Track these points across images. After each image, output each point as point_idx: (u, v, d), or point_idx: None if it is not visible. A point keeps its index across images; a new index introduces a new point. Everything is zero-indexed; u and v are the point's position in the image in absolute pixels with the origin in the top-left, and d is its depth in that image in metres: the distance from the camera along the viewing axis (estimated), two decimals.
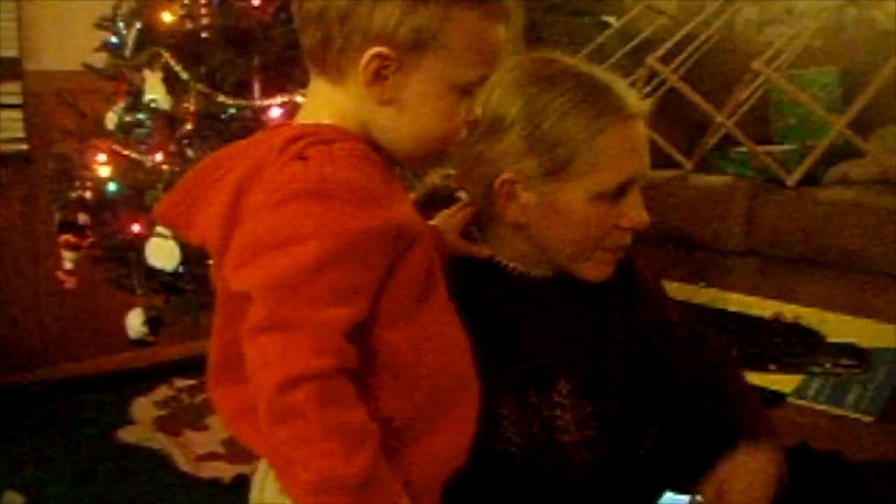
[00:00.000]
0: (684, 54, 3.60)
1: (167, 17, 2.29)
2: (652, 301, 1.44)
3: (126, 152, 2.30)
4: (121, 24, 2.44)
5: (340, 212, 0.93)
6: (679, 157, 3.48)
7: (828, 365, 2.84)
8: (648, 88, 3.53)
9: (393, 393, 1.00)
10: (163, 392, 2.91)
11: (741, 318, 3.11)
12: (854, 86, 3.37)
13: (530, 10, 3.95)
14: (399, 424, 1.00)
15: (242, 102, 2.18)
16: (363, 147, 1.00)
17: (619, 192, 1.26)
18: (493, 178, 1.25)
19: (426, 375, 1.01)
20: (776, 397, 2.75)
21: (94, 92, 2.55)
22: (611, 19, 3.96)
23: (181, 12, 2.29)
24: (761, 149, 3.33)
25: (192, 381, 2.92)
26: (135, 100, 2.36)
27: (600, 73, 1.30)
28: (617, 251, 1.31)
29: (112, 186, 2.33)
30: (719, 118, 3.32)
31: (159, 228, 2.18)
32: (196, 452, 2.53)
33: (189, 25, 2.27)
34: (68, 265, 2.42)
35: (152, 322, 2.34)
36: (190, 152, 2.18)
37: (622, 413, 1.36)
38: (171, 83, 2.25)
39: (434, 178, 1.41)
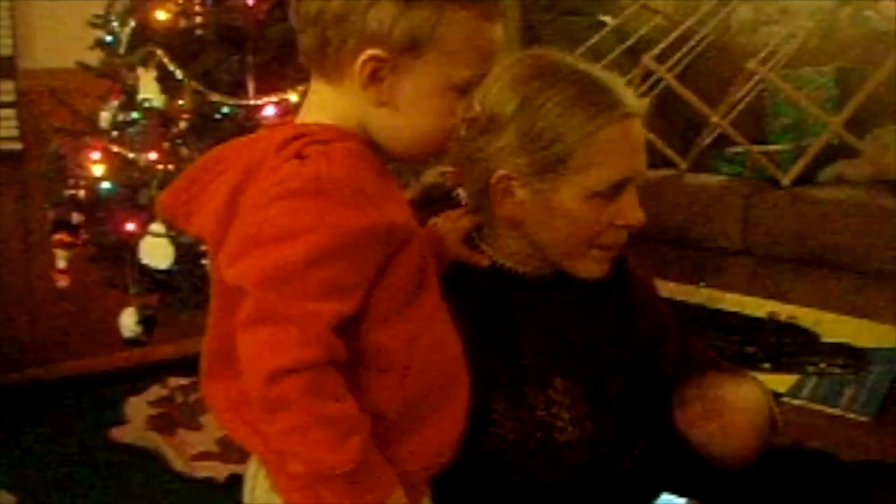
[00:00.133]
0: (679, 54, 3.60)
1: (161, 15, 2.29)
2: (646, 299, 1.44)
3: (120, 151, 2.29)
4: (115, 23, 2.44)
5: (334, 210, 0.94)
6: (674, 157, 3.48)
7: (822, 364, 2.84)
8: (644, 88, 3.53)
9: (384, 388, 1.01)
10: (156, 391, 2.91)
11: (736, 318, 3.11)
12: (849, 85, 3.37)
13: (526, 9, 3.95)
14: (390, 418, 1.02)
15: (237, 101, 2.18)
16: (360, 147, 1.01)
17: (615, 191, 1.26)
18: (490, 174, 1.26)
19: (417, 372, 1.03)
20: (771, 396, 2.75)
21: (89, 90, 2.54)
22: (606, 19, 3.95)
23: (175, 10, 2.28)
24: (756, 148, 3.33)
25: (185, 381, 2.92)
26: (129, 98, 2.35)
27: (598, 71, 1.30)
28: (612, 250, 1.31)
29: (106, 185, 2.32)
30: (714, 118, 3.32)
31: (153, 227, 2.17)
32: (190, 452, 2.53)
33: (183, 24, 2.27)
34: (62, 264, 2.41)
35: (146, 321, 2.33)
36: (184, 151, 2.18)
37: (619, 412, 1.36)
38: (166, 82, 2.25)
39: (431, 175, 1.41)
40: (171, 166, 2.17)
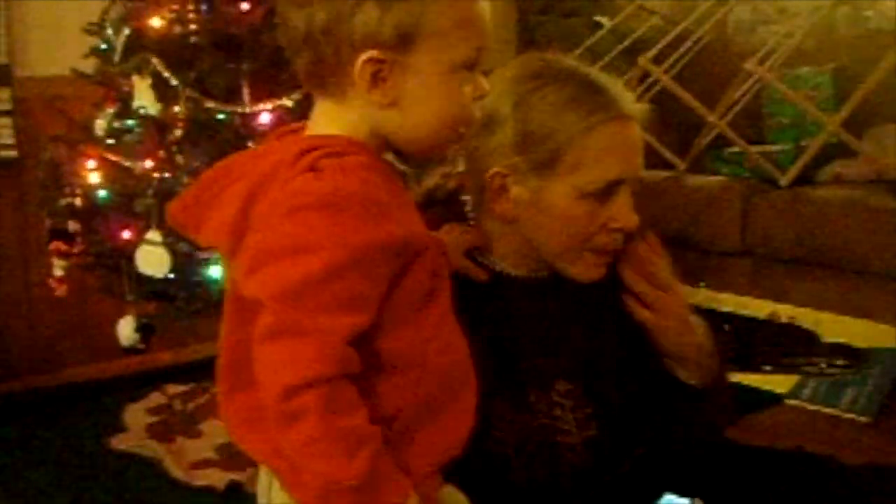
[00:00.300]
0: (677, 54, 3.60)
1: (156, 22, 2.28)
2: None
3: (115, 159, 2.28)
4: (109, 30, 2.43)
5: (349, 224, 0.95)
6: (672, 158, 3.48)
7: (823, 365, 2.84)
8: (641, 89, 3.53)
9: (399, 390, 1.02)
10: (155, 399, 2.90)
11: (736, 319, 3.11)
12: (847, 85, 3.37)
13: (523, 10, 3.95)
14: (404, 418, 1.03)
15: (232, 108, 2.17)
16: (373, 159, 1.02)
17: (607, 193, 1.26)
18: (486, 172, 1.27)
19: (430, 374, 1.04)
20: (772, 398, 2.75)
21: (84, 98, 2.54)
22: (603, 20, 3.95)
23: (170, 17, 2.27)
24: (755, 149, 3.33)
25: (184, 388, 2.91)
26: (124, 106, 2.34)
27: (596, 73, 1.31)
28: (607, 253, 1.31)
29: (102, 193, 2.31)
30: (712, 118, 3.31)
31: (149, 236, 2.17)
32: (189, 460, 2.52)
33: (178, 31, 2.26)
34: (59, 272, 2.40)
35: (143, 329, 2.32)
36: (179, 159, 2.17)
37: (622, 413, 1.36)
38: (161, 89, 2.24)
39: (433, 177, 1.41)
40: (166, 174, 2.16)
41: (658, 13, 3.98)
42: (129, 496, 2.44)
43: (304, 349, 0.93)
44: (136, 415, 2.81)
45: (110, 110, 2.39)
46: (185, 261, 2.17)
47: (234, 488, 2.39)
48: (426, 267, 1.03)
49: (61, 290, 2.46)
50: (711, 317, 3.11)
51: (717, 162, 3.48)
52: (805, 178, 3.20)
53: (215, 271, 2.15)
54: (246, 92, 2.18)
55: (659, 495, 1.46)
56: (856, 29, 3.62)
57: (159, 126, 2.22)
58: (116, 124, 2.36)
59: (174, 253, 2.16)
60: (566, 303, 1.35)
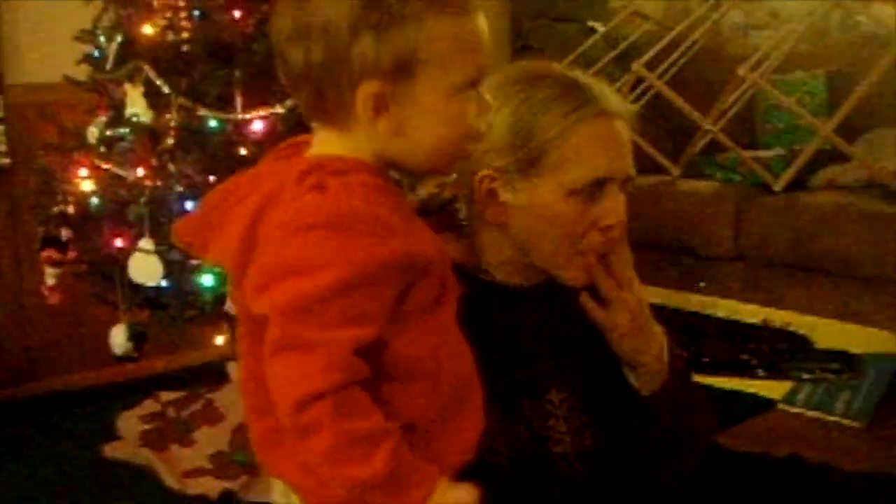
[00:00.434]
0: (670, 59, 3.60)
1: (148, 29, 2.27)
2: None
3: (108, 167, 2.27)
4: (101, 37, 2.42)
5: (356, 243, 0.97)
6: (666, 163, 3.48)
7: (817, 370, 2.85)
8: (634, 94, 3.53)
9: (416, 399, 1.04)
10: (149, 406, 2.89)
11: (730, 324, 3.11)
12: (840, 89, 3.38)
13: (517, 16, 3.95)
14: (422, 426, 1.05)
15: (224, 116, 2.16)
16: (378, 179, 1.03)
17: (594, 191, 1.26)
18: (474, 176, 1.28)
19: (445, 379, 1.05)
20: (766, 403, 2.75)
21: (76, 105, 2.53)
22: (597, 25, 3.95)
23: (162, 25, 2.26)
24: (748, 154, 3.33)
25: (178, 395, 2.90)
26: (116, 113, 2.34)
27: (581, 75, 1.32)
28: (598, 255, 1.30)
29: (94, 201, 2.31)
30: (706, 124, 3.32)
31: (142, 243, 2.16)
32: (182, 468, 2.51)
33: (170, 38, 2.25)
34: (51, 280, 2.40)
35: (136, 338, 2.32)
36: (172, 167, 2.16)
37: (617, 423, 1.35)
38: (153, 97, 2.23)
39: (427, 187, 1.41)
40: (158, 182, 2.15)
41: (651, 18, 3.99)
42: None
43: (312, 362, 0.95)
44: (130, 422, 2.80)
45: (102, 118, 2.38)
46: (178, 269, 2.16)
47: (228, 497, 2.38)
48: (433, 281, 1.04)
49: (54, 298, 2.45)
50: (706, 323, 3.14)
51: (711, 167, 3.49)
52: (798, 183, 3.21)
53: (207, 279, 2.15)
54: (238, 100, 2.17)
55: None
56: (849, 33, 3.63)
57: (152, 134, 2.21)
58: (109, 132, 2.35)
59: (167, 261, 2.16)
60: (560, 311, 1.35)
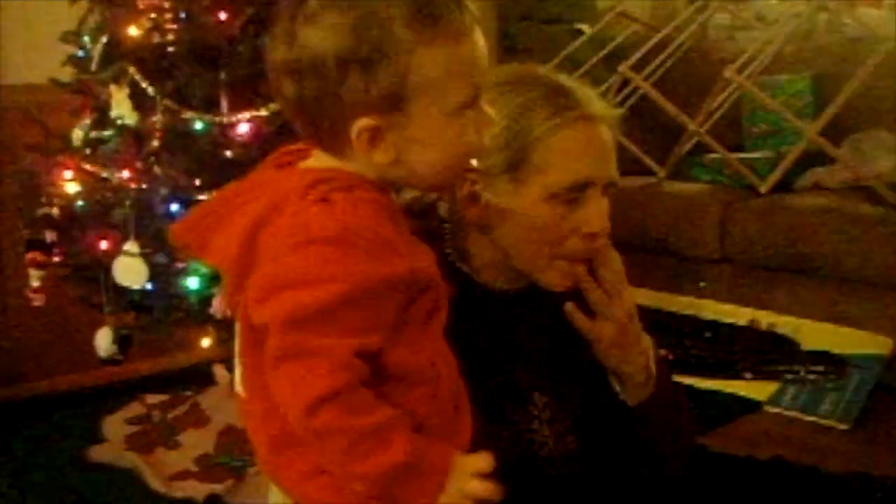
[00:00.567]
0: (657, 61, 3.60)
1: (133, 31, 2.26)
2: None
3: (92, 169, 2.26)
4: (86, 38, 2.41)
5: (359, 259, 0.98)
6: (652, 165, 3.48)
7: (802, 372, 2.86)
8: (621, 96, 3.54)
9: (420, 403, 1.04)
10: (134, 409, 2.88)
11: (716, 326, 3.12)
12: (826, 92, 3.39)
13: (503, 18, 3.94)
14: (427, 428, 1.05)
15: (210, 118, 2.16)
16: (381, 196, 1.04)
17: (575, 195, 1.25)
18: None
19: (443, 385, 1.07)
20: (752, 405, 2.76)
21: (61, 107, 2.52)
22: (584, 27, 3.96)
23: (147, 26, 2.25)
24: (734, 156, 3.34)
25: (163, 398, 2.89)
26: (101, 115, 2.33)
27: (566, 78, 1.31)
28: (580, 261, 1.30)
29: (79, 203, 2.30)
30: (692, 126, 3.32)
31: (127, 247, 2.15)
32: (168, 471, 2.50)
33: (156, 40, 2.24)
34: (35, 283, 2.38)
35: (121, 341, 2.31)
36: (157, 169, 2.15)
37: (601, 427, 1.35)
38: (138, 99, 2.23)
39: (411, 191, 1.41)
40: (144, 185, 2.15)
41: (638, 20, 3.99)
42: None
43: (315, 367, 0.96)
44: (115, 425, 2.79)
45: (87, 120, 2.37)
46: (163, 272, 2.16)
47: (213, 500, 2.38)
48: (430, 296, 1.05)
49: (38, 301, 2.44)
50: (692, 324, 3.15)
51: (697, 169, 3.49)
52: (784, 185, 3.21)
53: (193, 282, 2.14)
54: (224, 102, 2.17)
55: None
56: (835, 36, 3.64)
57: (137, 136, 2.21)
58: (94, 134, 2.34)
59: (152, 264, 2.15)
60: (543, 315, 1.35)
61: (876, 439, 2.54)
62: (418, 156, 1.03)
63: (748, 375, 2.90)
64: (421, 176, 1.06)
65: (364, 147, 1.02)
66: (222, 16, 2.19)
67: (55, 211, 2.35)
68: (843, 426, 2.61)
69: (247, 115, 2.15)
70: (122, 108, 2.23)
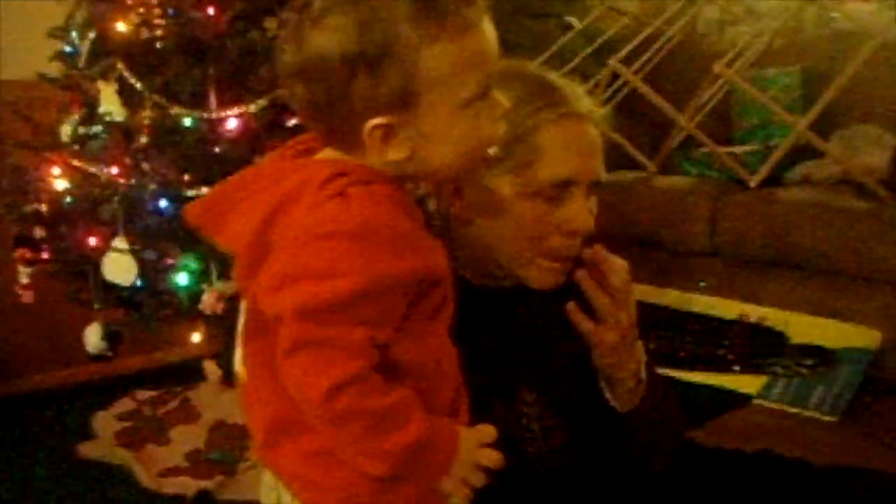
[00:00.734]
0: (646, 55, 3.60)
1: (122, 26, 2.26)
2: None
3: (81, 165, 2.26)
4: (74, 34, 2.41)
5: (376, 254, 0.98)
6: (642, 159, 3.48)
7: (792, 365, 2.86)
8: (611, 91, 3.54)
9: (426, 399, 1.04)
10: (124, 405, 2.88)
11: (705, 320, 3.12)
12: (815, 85, 3.39)
13: (493, 12, 3.93)
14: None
15: (198, 114, 2.15)
16: (398, 192, 1.05)
17: (558, 193, 1.25)
18: None
19: (445, 379, 1.08)
20: (741, 398, 2.77)
21: (49, 103, 2.51)
22: (573, 21, 3.95)
23: (136, 22, 2.25)
24: (724, 150, 3.34)
25: (153, 393, 2.89)
26: (90, 111, 2.32)
27: (554, 75, 1.31)
28: (562, 260, 1.30)
29: (68, 199, 2.29)
30: (681, 120, 3.32)
31: (115, 243, 2.15)
32: (158, 467, 2.50)
33: (144, 35, 2.24)
34: (24, 280, 2.38)
35: (111, 337, 2.31)
36: (145, 165, 2.15)
37: (591, 423, 1.36)
38: (127, 94, 2.22)
39: None
40: (132, 181, 2.14)
41: (628, 14, 3.99)
42: None
43: (331, 355, 0.97)
44: (105, 422, 2.79)
45: (76, 116, 2.37)
46: (152, 268, 2.16)
47: (204, 496, 2.38)
48: (439, 292, 1.06)
49: (27, 297, 2.44)
50: (682, 318, 3.15)
51: (687, 163, 3.50)
52: (774, 179, 3.22)
53: (182, 278, 2.14)
54: (212, 97, 2.17)
55: None
56: (824, 30, 3.64)
57: (125, 132, 2.20)
58: (82, 130, 2.34)
59: (141, 260, 2.15)
60: (531, 312, 1.35)
61: (864, 432, 2.55)
62: (433, 150, 1.04)
63: (737, 369, 2.91)
64: (437, 169, 1.06)
65: (377, 146, 1.02)
66: (210, 11, 2.19)
67: (44, 207, 2.35)
68: (831, 419, 2.62)
69: (235, 110, 2.15)
70: (110, 104, 2.23)
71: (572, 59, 3.54)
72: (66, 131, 2.37)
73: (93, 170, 2.24)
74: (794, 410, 2.68)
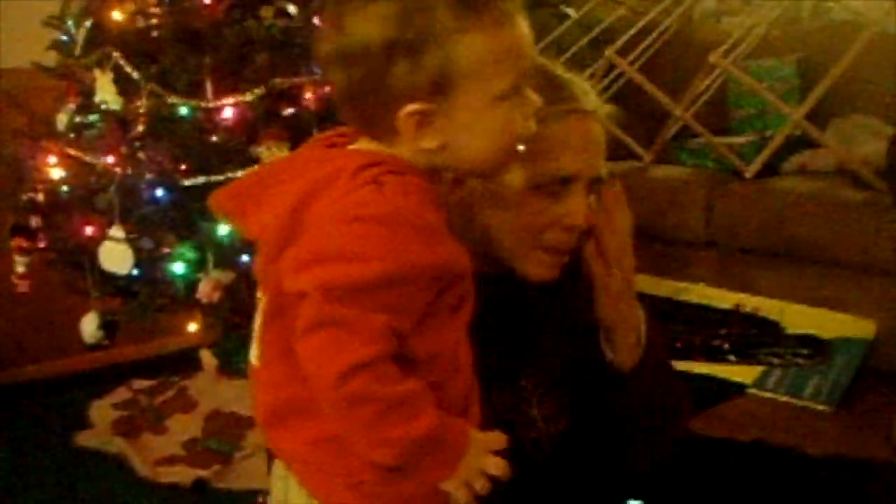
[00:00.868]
0: (643, 45, 3.60)
1: (117, 15, 2.25)
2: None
3: (77, 154, 2.26)
4: (70, 23, 2.40)
5: (405, 242, 0.99)
6: (638, 150, 3.48)
7: (787, 355, 2.87)
8: (607, 81, 3.53)
9: (442, 392, 1.05)
10: (121, 394, 2.88)
11: (701, 310, 3.13)
12: (811, 76, 3.39)
13: None
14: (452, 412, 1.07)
15: (194, 103, 2.15)
16: (428, 184, 1.05)
17: (560, 187, 1.25)
18: None
19: (460, 375, 1.08)
20: (736, 388, 2.77)
21: (45, 91, 2.51)
22: (570, 10, 3.94)
23: (132, 10, 2.25)
24: (720, 140, 3.34)
25: (150, 383, 2.90)
26: (86, 100, 2.32)
27: (560, 68, 1.31)
28: (560, 254, 1.30)
29: (64, 189, 2.29)
30: (677, 110, 3.32)
31: (112, 231, 2.15)
32: (155, 456, 2.51)
33: (140, 24, 2.24)
34: (20, 269, 2.38)
35: (107, 327, 2.30)
36: (142, 154, 2.15)
37: (593, 407, 1.36)
38: (123, 83, 2.22)
39: None
40: (129, 170, 2.14)
41: (625, 4, 3.99)
42: (94, 494, 2.42)
43: (351, 336, 0.97)
44: (102, 411, 2.80)
45: (72, 105, 2.36)
46: (149, 257, 2.16)
47: (201, 485, 2.38)
48: (460, 286, 1.06)
49: (24, 287, 2.44)
50: (677, 308, 3.15)
51: (683, 153, 3.49)
52: (770, 170, 3.22)
53: (178, 267, 2.14)
54: (209, 86, 2.16)
55: (623, 501, 1.47)
56: (820, 20, 3.64)
57: (121, 121, 2.20)
58: (78, 119, 2.34)
59: (137, 249, 2.15)
60: (529, 297, 1.35)
61: (859, 422, 2.56)
62: (465, 141, 1.05)
63: (732, 359, 2.91)
64: (467, 161, 1.07)
65: (411, 133, 1.03)
66: (207, 0, 2.17)
67: (40, 196, 2.35)
68: (826, 409, 2.62)
69: (231, 99, 2.14)
70: (106, 93, 2.23)
71: (568, 49, 3.54)
72: (62, 120, 2.37)
73: (89, 159, 2.24)
74: (789, 400, 2.68)
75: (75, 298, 2.45)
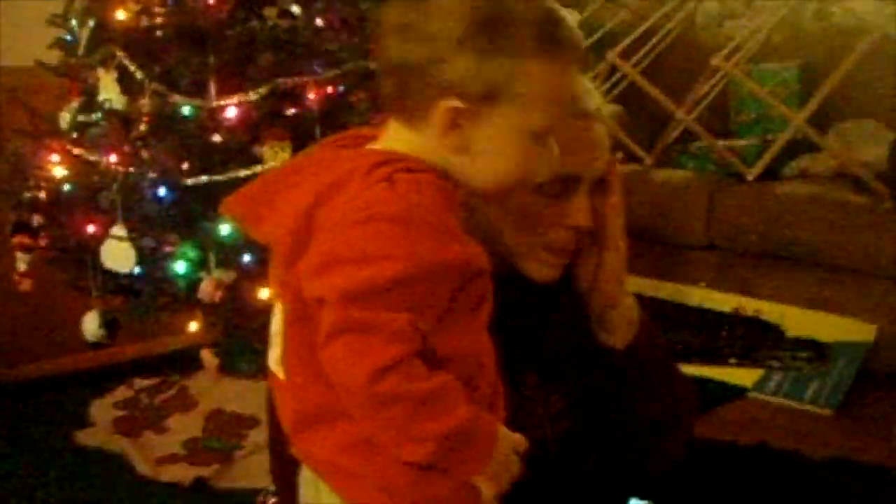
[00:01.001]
0: (645, 49, 3.61)
1: (121, 14, 2.25)
2: None
3: (80, 152, 2.26)
4: (74, 21, 2.40)
5: (421, 241, 0.99)
6: (640, 153, 3.49)
7: (787, 358, 2.88)
8: (609, 84, 3.54)
9: (476, 387, 1.05)
10: (122, 393, 2.88)
11: (701, 312, 3.13)
12: (813, 80, 3.39)
13: None
14: None
15: (198, 102, 2.15)
16: (443, 181, 1.05)
17: (564, 188, 1.25)
18: None
19: (484, 376, 1.07)
20: (737, 391, 2.78)
21: (48, 90, 2.51)
22: (572, 13, 3.95)
23: (135, 9, 2.25)
24: (721, 143, 3.35)
25: (151, 382, 2.90)
26: (89, 99, 2.32)
27: None
28: (562, 254, 1.30)
29: (66, 187, 2.29)
30: (679, 113, 3.33)
31: (114, 230, 2.15)
32: (155, 455, 2.51)
33: (143, 23, 2.24)
34: (22, 267, 2.38)
35: (109, 325, 2.30)
36: (145, 153, 2.15)
37: (595, 407, 1.36)
38: (126, 82, 2.22)
39: None
40: (131, 169, 2.14)
41: (627, 7, 3.99)
42: (94, 492, 2.42)
43: (375, 339, 0.96)
44: (103, 409, 2.80)
45: (75, 103, 2.36)
46: (151, 256, 2.16)
47: (201, 484, 2.38)
48: (479, 285, 1.06)
49: (25, 285, 2.44)
50: (678, 311, 3.16)
51: (684, 156, 3.50)
52: (771, 173, 3.23)
53: (180, 266, 2.14)
54: (212, 86, 2.16)
55: (625, 499, 1.47)
56: (822, 24, 3.65)
57: (124, 120, 2.20)
58: (81, 117, 2.34)
59: (139, 248, 2.15)
60: (531, 296, 1.35)
61: (859, 425, 2.56)
62: (482, 157, 1.05)
63: (733, 362, 2.92)
64: (474, 177, 1.07)
65: (441, 127, 1.03)
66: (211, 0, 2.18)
67: (42, 194, 2.34)
68: (826, 412, 2.64)
69: (235, 99, 2.14)
70: (109, 92, 2.22)
71: None
72: (65, 119, 2.37)
73: (92, 157, 2.24)
74: (789, 403, 2.69)
75: (77, 297, 2.45)
